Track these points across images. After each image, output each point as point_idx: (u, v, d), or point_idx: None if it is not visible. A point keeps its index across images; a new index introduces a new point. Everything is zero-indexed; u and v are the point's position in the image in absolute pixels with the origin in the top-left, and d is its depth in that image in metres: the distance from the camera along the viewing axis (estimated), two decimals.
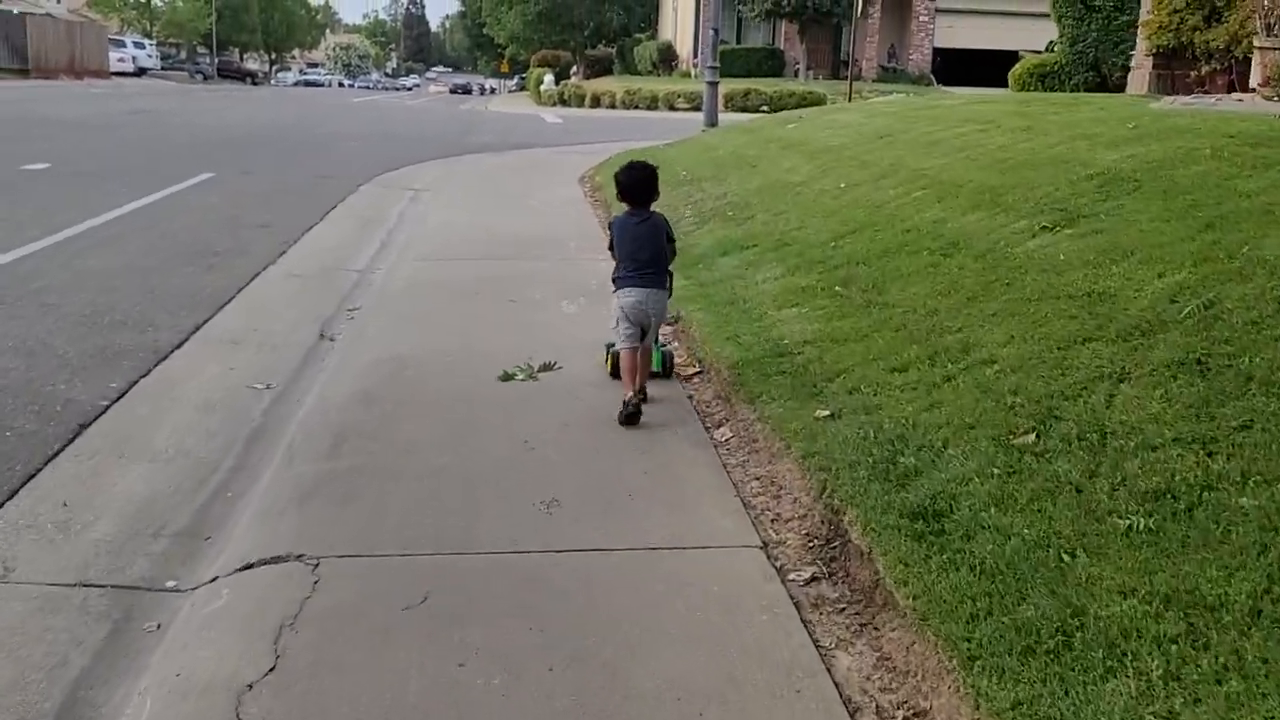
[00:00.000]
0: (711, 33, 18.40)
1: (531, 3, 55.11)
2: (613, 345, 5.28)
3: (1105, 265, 4.99)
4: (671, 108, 35.79)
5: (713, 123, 18.27)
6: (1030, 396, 4.00)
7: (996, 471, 3.59)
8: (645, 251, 5.06)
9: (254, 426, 5.10)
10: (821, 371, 4.96)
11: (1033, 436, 3.75)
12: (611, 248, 5.23)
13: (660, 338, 5.50)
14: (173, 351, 6.15)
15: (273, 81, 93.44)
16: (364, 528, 3.76)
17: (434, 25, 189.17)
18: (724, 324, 6.04)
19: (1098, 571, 2.95)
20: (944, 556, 3.21)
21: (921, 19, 42.39)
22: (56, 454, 4.60)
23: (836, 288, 6.17)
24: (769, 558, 3.65)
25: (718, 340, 5.78)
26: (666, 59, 48.17)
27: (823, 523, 3.80)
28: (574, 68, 56.87)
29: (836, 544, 3.67)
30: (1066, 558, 3.06)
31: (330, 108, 35.55)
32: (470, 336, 6.33)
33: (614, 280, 5.12)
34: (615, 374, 5.26)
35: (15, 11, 54.74)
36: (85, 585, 3.54)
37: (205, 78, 78.81)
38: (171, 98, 35.58)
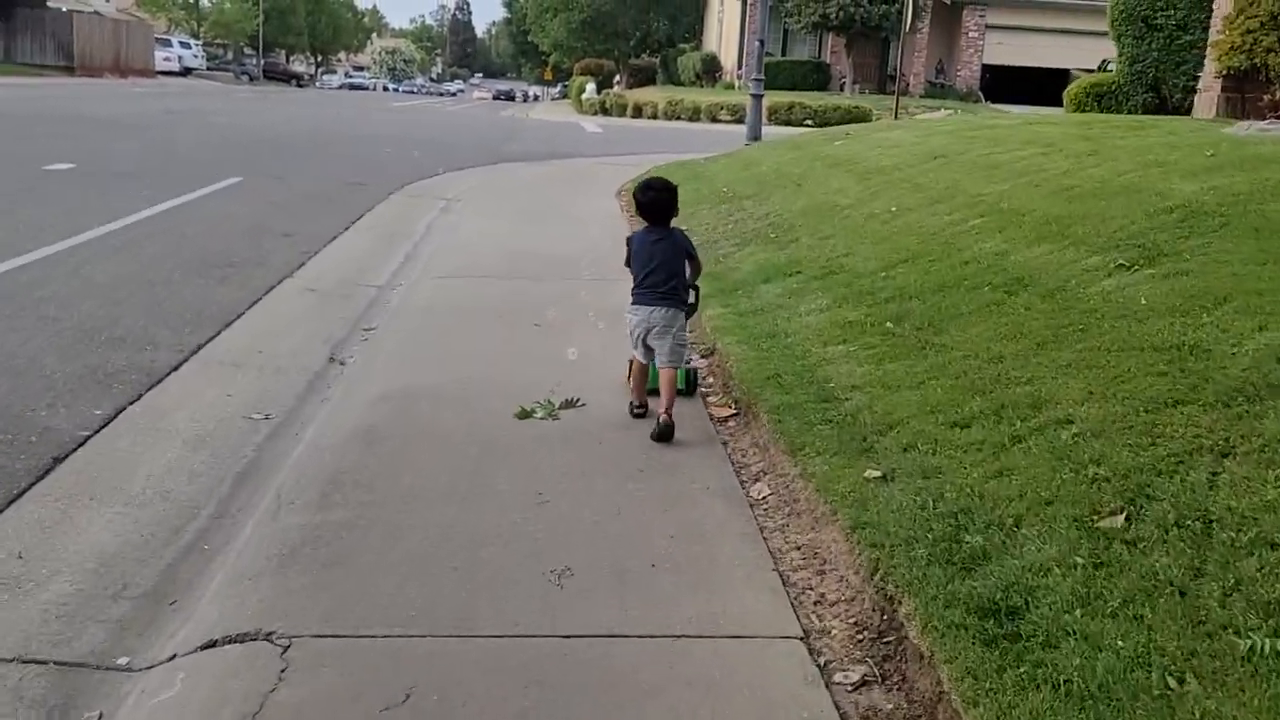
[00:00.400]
0: (757, 44, 17.90)
1: (576, 11, 54.83)
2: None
3: (1195, 313, 4.44)
4: (714, 119, 35.30)
5: (756, 136, 17.77)
6: (1116, 468, 3.47)
7: (1081, 561, 3.07)
8: (661, 270, 4.99)
9: (245, 464, 4.66)
10: (872, 422, 4.45)
11: (1122, 519, 3.23)
12: (628, 263, 5.13)
13: (687, 355, 5.31)
14: (169, 374, 5.72)
15: (318, 84, 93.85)
16: (347, 599, 3.29)
17: (480, 31, 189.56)
18: (764, 360, 5.53)
19: (1215, 707, 2.42)
20: (1021, 670, 2.70)
21: (971, 35, 41.69)
22: (22, 493, 4.16)
23: (888, 324, 5.65)
24: (811, 651, 3.14)
25: (757, 379, 5.28)
26: (710, 70, 47.70)
27: (874, 610, 3.29)
28: (617, 77, 56.52)
29: (891, 639, 3.16)
30: (1173, 683, 2.54)
31: (370, 111, 35.33)
32: (489, 365, 5.86)
33: (631, 295, 5.07)
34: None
35: (65, 10, 55.18)
36: (25, 661, 3.09)
37: (251, 79, 79.25)
38: (212, 98, 35.49)
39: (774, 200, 9.98)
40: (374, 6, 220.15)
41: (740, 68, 43.56)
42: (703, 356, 6.24)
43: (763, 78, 18.02)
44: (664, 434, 4.73)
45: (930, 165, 9.34)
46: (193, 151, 16.49)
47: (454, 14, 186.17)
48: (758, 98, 18.09)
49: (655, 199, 5.13)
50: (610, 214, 11.87)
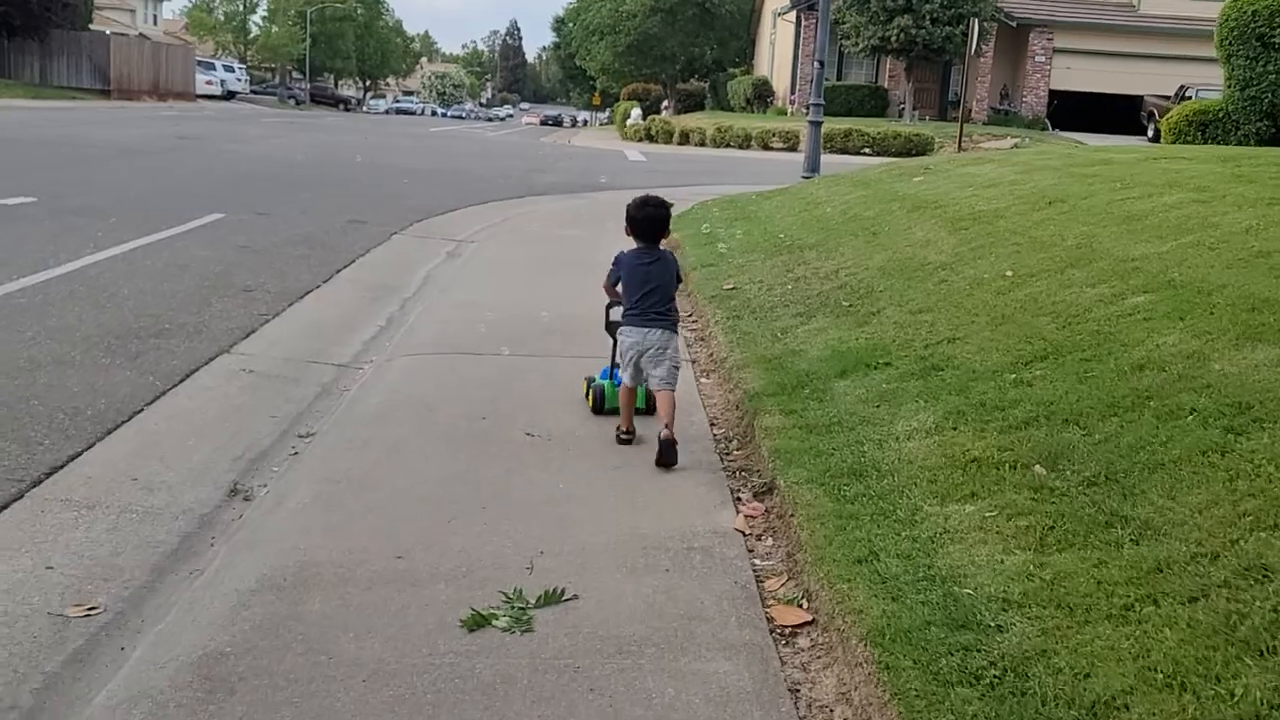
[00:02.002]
0: (816, 66, 16.04)
1: (622, 34, 53.25)
2: (593, 380, 5.44)
3: None
4: (765, 147, 33.45)
5: (814, 168, 15.88)
6: None
7: None
8: (657, 292, 4.90)
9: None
10: (1056, 692, 2.55)
11: None
12: (615, 284, 5.04)
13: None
14: None
15: (364, 108, 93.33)
16: None
17: (530, 57, 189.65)
18: (850, 523, 3.64)
19: None
20: None
21: (1037, 59, 39.52)
22: None
23: (1036, 467, 3.75)
24: None
25: (842, 559, 3.40)
26: (761, 95, 45.88)
27: None
28: (665, 102, 54.89)
29: None
30: None
31: (402, 137, 33.80)
32: (446, 518, 4.01)
33: (623, 318, 4.97)
34: (598, 410, 5.30)
35: (108, 33, 54.53)
36: None
37: (297, 103, 78.72)
38: (238, 123, 34.11)
39: (844, 253, 8.07)
40: (425, 32, 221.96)
41: (793, 92, 41.70)
42: (757, 497, 4.36)
43: (822, 103, 16.15)
44: (668, 451, 4.59)
45: (1045, 213, 7.39)
46: (182, 183, 14.84)
47: (505, 39, 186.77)
48: (816, 125, 16.21)
49: (653, 215, 4.97)
50: None
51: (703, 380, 6.10)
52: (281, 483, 4.49)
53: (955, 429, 4.26)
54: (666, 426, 4.64)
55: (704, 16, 53.15)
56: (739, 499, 4.34)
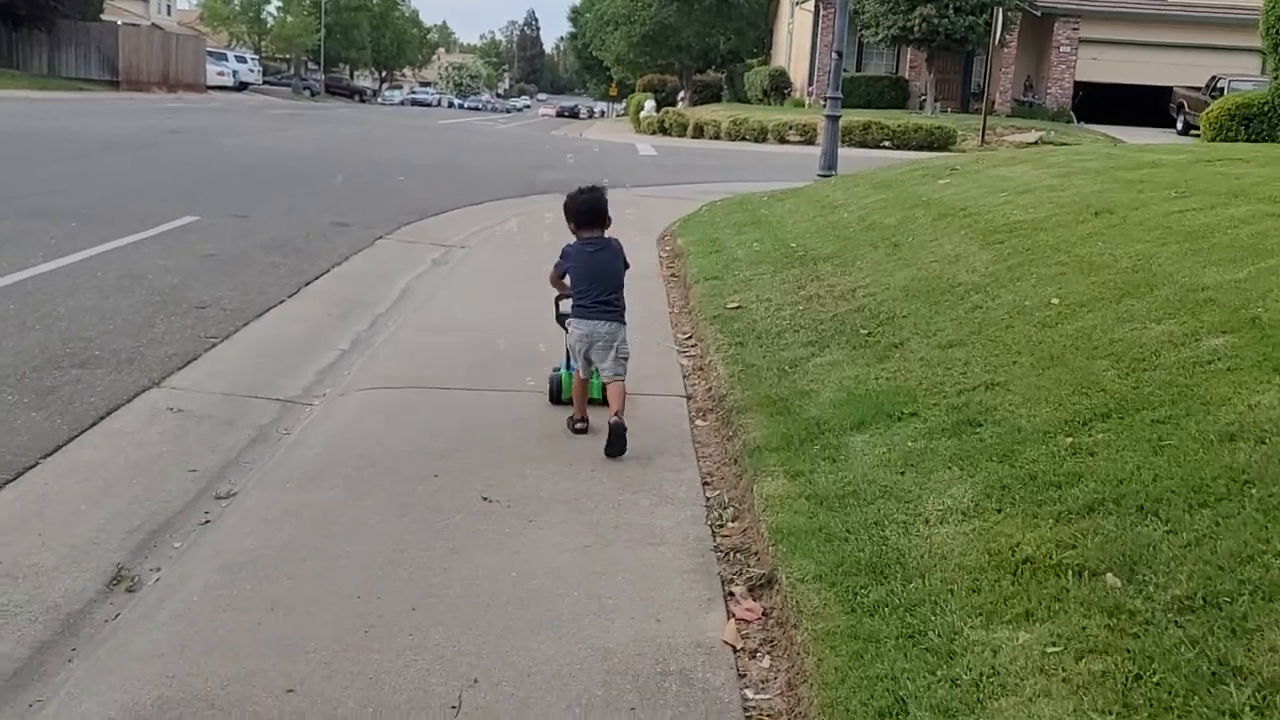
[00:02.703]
0: (834, 56, 15.16)
1: (637, 24, 52.26)
2: (557, 369, 5.37)
3: None
4: (782, 140, 32.51)
5: (831, 166, 15.01)
6: None
7: None
8: (605, 282, 4.86)
9: None
10: None
11: None
12: (562, 277, 5.00)
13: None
14: None
15: (380, 100, 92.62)
16: None
17: (548, 47, 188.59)
18: (869, 651, 2.84)
19: None
20: None
21: (1062, 50, 38.40)
22: None
23: (1109, 576, 2.93)
24: None
25: (861, 717, 2.58)
26: (778, 86, 44.88)
27: None
28: (681, 94, 53.92)
29: None
30: None
31: (410, 129, 33.00)
32: (364, 625, 3.21)
33: (571, 310, 4.94)
34: (554, 399, 5.33)
35: (119, 23, 53.93)
36: None
37: (312, 94, 77.97)
38: (240, 115, 33.38)
39: (862, 267, 7.23)
40: (443, 23, 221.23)
41: (811, 84, 40.73)
42: (753, 591, 3.54)
43: (840, 96, 15.27)
44: (617, 439, 4.64)
45: (1091, 226, 6.52)
46: (161, 181, 14.05)
47: (523, 30, 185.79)
48: (834, 119, 15.33)
49: (590, 200, 4.96)
50: (644, 272, 9.15)
51: (699, 423, 5.28)
52: (178, 566, 3.70)
53: (1000, 511, 3.43)
54: (616, 414, 4.68)
55: (721, 6, 52.15)
56: (731, 594, 3.53)
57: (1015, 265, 6.06)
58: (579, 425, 4.97)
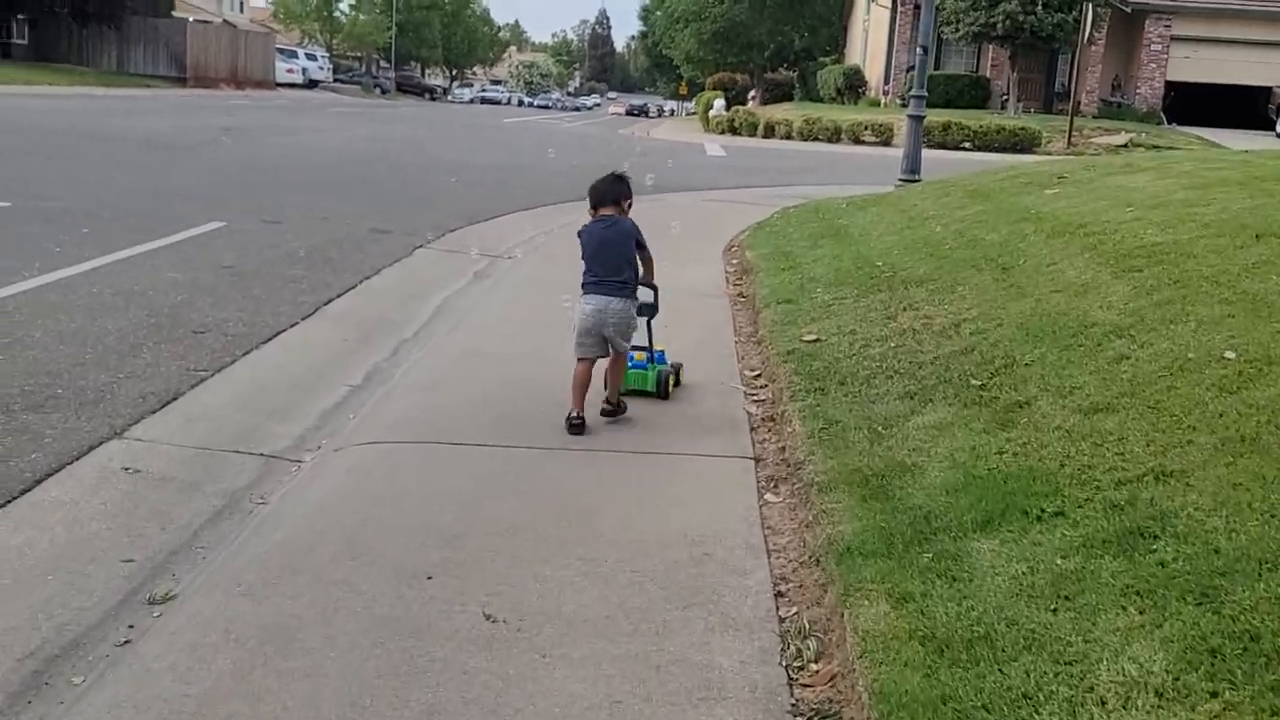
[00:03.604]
0: (919, 53, 13.96)
1: (708, 21, 51.11)
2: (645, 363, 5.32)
3: None
4: (857, 141, 31.22)
5: (914, 170, 13.81)
6: None
7: None
8: (610, 258, 4.87)
9: None
10: None
11: None
12: (584, 258, 4.97)
13: (663, 355, 5.39)
14: None
15: (450, 97, 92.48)
16: None
17: (619, 46, 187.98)
18: None
19: None
20: None
21: (1153, 48, 36.59)
22: None
23: None
24: None
25: None
26: (853, 85, 43.50)
27: None
28: (752, 92, 52.71)
29: None
30: None
31: (471, 129, 32.21)
32: None
33: (582, 286, 4.94)
34: (663, 394, 5.31)
35: (191, 20, 54.01)
36: None
37: (383, 91, 77.94)
38: (301, 114, 32.75)
39: (965, 295, 6.11)
40: (515, 21, 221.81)
41: (887, 82, 39.36)
42: None
43: (925, 95, 14.06)
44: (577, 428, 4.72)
45: (1254, 253, 5.33)
46: (195, 182, 13.23)
47: (594, 28, 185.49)
48: (917, 120, 14.12)
49: (605, 182, 5.05)
50: (706, 289, 8.13)
51: (769, 498, 4.23)
52: None
53: (1215, 696, 2.35)
54: (613, 403, 4.98)
55: (794, 3, 50.87)
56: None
57: (1164, 302, 4.91)
58: (575, 422, 4.77)
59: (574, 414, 4.76)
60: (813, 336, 6.07)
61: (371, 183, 14.63)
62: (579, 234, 5.01)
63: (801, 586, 3.49)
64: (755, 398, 5.56)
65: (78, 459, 4.41)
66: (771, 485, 4.37)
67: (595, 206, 5.02)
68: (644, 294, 5.17)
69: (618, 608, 3.27)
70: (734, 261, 9.53)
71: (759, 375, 5.93)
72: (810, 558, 3.62)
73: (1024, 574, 3.03)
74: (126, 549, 3.72)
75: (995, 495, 3.52)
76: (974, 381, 4.69)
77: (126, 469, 4.36)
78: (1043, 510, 3.35)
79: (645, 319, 5.27)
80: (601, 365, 4.97)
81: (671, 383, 5.35)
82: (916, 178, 13.59)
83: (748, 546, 3.75)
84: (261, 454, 4.69)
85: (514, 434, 4.77)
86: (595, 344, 4.85)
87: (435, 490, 4.15)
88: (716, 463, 4.58)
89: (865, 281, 7.10)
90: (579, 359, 4.84)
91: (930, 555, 3.25)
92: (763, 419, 5.20)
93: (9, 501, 3.98)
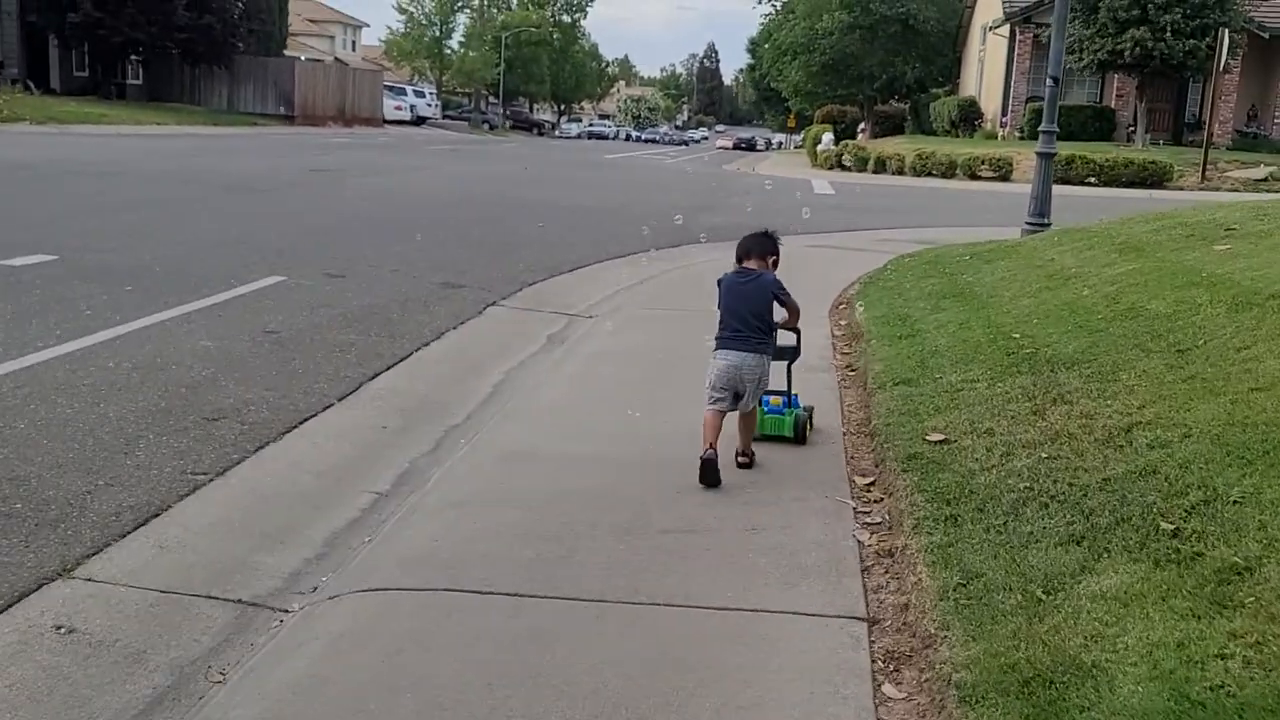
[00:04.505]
0: (1049, 83, 12.68)
1: (817, 53, 49.91)
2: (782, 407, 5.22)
3: None
4: (973, 176, 29.76)
5: (1043, 213, 12.51)
6: None
7: None
8: (745, 311, 4.79)
9: None
10: None
11: None
12: (719, 306, 4.90)
13: (798, 398, 5.28)
14: None
15: (557, 132, 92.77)
16: None
17: (727, 79, 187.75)
18: None
19: None
20: None
21: None
22: None
23: None
24: None
25: None
26: (968, 117, 41.92)
27: None
28: (861, 125, 51.32)
29: None
30: None
31: (572, 165, 31.52)
32: None
33: (716, 341, 4.86)
34: (800, 439, 5.21)
35: (303, 58, 54.74)
36: None
37: (491, 127, 78.47)
38: (399, 152, 32.43)
39: (1132, 384, 4.90)
40: (625, 56, 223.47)
41: (1005, 114, 37.73)
42: None
43: (1055, 130, 12.78)
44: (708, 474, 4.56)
45: None
46: (263, 229, 12.46)
47: (702, 62, 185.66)
48: (1047, 157, 12.85)
49: (752, 237, 5.06)
50: (810, 358, 6.95)
51: (888, 690, 3.12)
52: None
53: None
54: (743, 453, 4.84)
55: (906, 34, 49.36)
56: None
57: None
58: (741, 461, 4.83)
59: (707, 453, 4.56)
60: (939, 436, 4.92)
61: (454, 228, 13.81)
62: (718, 282, 4.95)
63: None
64: (868, 518, 4.43)
65: (6, 609, 3.49)
66: (891, 669, 3.25)
67: (740, 259, 4.99)
68: (785, 337, 5.14)
69: None
70: (842, 323, 8.39)
71: (872, 484, 4.80)
72: None
73: None
74: None
75: None
76: (1164, 524, 3.50)
77: (59, 628, 3.42)
78: None
79: (786, 362, 5.26)
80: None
81: (808, 428, 5.29)
82: (1046, 222, 12.30)
83: None
84: (239, 600, 3.72)
85: (555, 578, 3.72)
86: (728, 398, 4.74)
87: (438, 669, 3.12)
88: (817, 628, 3.47)
89: (1000, 359, 5.91)
90: (711, 411, 4.71)
91: None
92: (878, 553, 4.07)
93: None
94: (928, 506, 4.13)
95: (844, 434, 5.52)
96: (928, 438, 4.93)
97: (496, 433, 5.51)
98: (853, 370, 6.82)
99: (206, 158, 23.06)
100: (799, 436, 5.19)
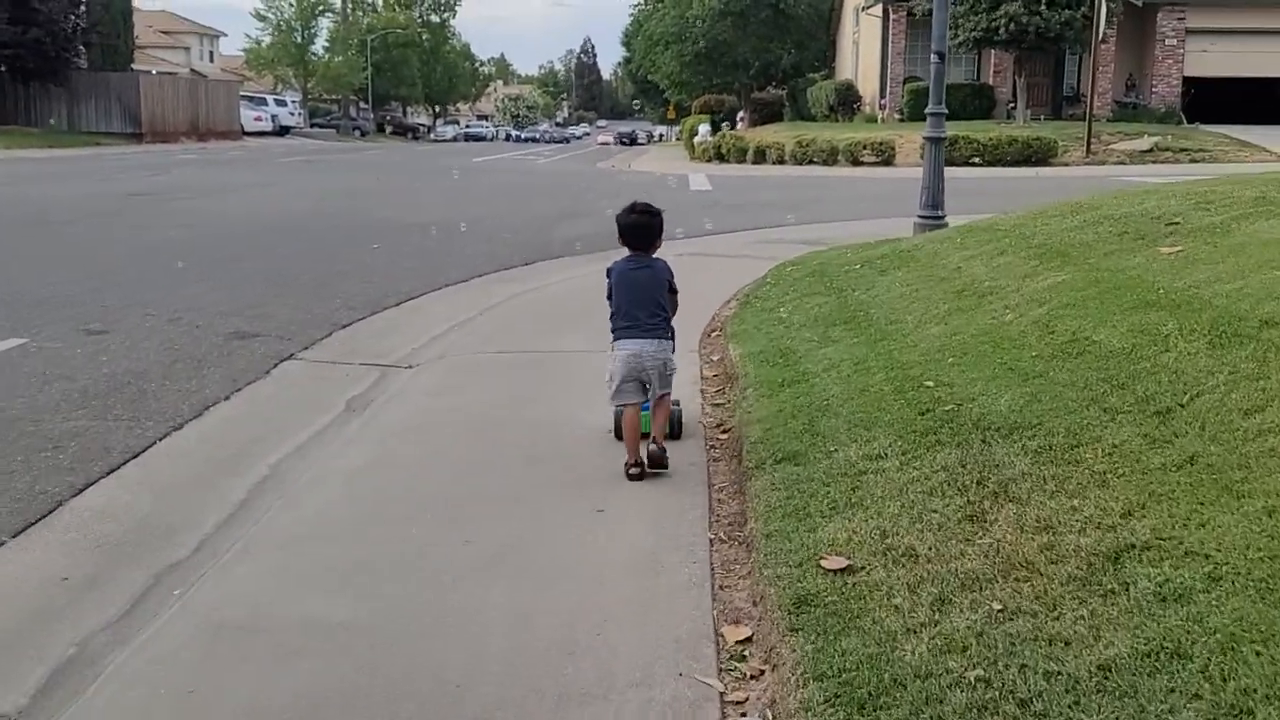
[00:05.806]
0: (934, 60, 11.39)
1: (689, 42, 48.71)
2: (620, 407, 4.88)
3: None
4: (855, 161, 28.71)
5: (936, 204, 11.20)
6: None
7: None
8: (645, 301, 4.70)
9: None
10: None
11: None
12: (609, 297, 4.80)
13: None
14: None
15: (432, 136, 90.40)
16: None
17: (606, 74, 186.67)
18: None
19: None
20: None
21: (1168, 43, 34.08)
22: None
23: None
24: None
25: None
26: (846, 101, 41.03)
27: None
28: (740, 114, 50.26)
29: None
30: None
31: (432, 173, 29.60)
32: None
33: (613, 333, 4.76)
34: (619, 435, 4.85)
35: (153, 71, 51.80)
36: None
37: (363, 134, 75.84)
38: (244, 167, 30.23)
39: (1103, 468, 3.46)
40: (501, 55, 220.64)
41: (884, 96, 36.88)
42: None
43: (943, 111, 11.49)
44: (657, 462, 4.58)
45: None
46: (33, 275, 10.53)
47: (579, 57, 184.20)
48: (936, 142, 11.56)
49: (638, 222, 4.81)
50: (682, 410, 5.44)
51: None
52: None
53: None
54: (656, 441, 4.64)
55: (778, 18, 48.45)
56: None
57: None
58: (633, 471, 4.54)
59: (630, 462, 4.55)
60: (840, 560, 3.43)
61: (272, 257, 11.99)
62: (607, 272, 4.82)
63: None
64: (739, 708, 2.92)
65: None
66: None
67: (629, 246, 4.78)
68: None
69: None
70: (714, 358, 6.91)
71: (748, 643, 3.30)
72: None
73: None
74: None
75: None
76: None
77: None
78: None
79: None
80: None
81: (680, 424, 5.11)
82: (941, 214, 11.01)
83: None
84: None
85: None
86: (635, 390, 4.65)
87: None
88: None
89: (912, 420, 4.45)
90: (624, 406, 4.67)
91: None
92: None
93: None
94: (830, 714, 2.63)
95: (711, 549, 3.99)
96: (823, 562, 3.44)
97: (221, 580, 3.87)
98: (724, 433, 5.31)
99: (16, 186, 20.72)
100: (675, 431, 5.00)
